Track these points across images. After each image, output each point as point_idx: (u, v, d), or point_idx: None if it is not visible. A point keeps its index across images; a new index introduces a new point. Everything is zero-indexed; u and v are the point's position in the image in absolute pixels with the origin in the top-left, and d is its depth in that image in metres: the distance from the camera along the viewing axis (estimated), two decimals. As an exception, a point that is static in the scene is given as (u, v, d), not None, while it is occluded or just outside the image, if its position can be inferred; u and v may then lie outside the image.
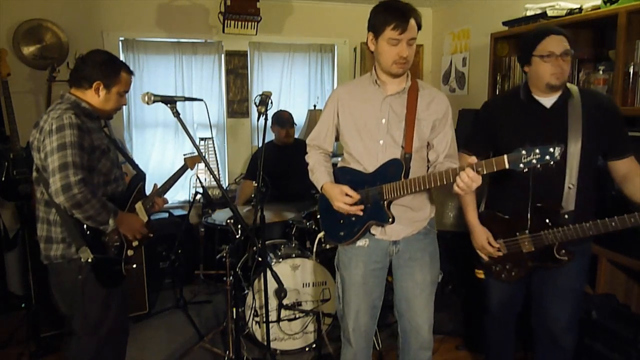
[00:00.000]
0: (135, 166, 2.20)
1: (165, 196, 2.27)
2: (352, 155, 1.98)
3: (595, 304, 2.28)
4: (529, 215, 1.98)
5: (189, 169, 2.48)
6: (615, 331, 2.15)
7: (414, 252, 1.98)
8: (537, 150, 1.52)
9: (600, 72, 2.49)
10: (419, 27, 1.80)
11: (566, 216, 1.92)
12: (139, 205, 2.10)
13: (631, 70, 2.32)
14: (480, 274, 2.20)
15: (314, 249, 2.90)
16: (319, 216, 2.16)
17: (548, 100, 1.97)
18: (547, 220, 1.94)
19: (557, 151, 1.51)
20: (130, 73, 2.04)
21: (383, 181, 1.86)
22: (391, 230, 1.94)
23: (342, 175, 2.01)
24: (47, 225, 1.92)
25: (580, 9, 2.67)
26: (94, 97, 1.95)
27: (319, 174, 2.04)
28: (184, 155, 2.71)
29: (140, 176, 2.16)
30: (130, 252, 2.04)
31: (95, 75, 1.92)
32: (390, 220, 1.86)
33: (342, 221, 1.99)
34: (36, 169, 1.93)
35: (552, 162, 1.52)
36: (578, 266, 2.01)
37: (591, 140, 1.90)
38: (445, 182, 1.69)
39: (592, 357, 2.25)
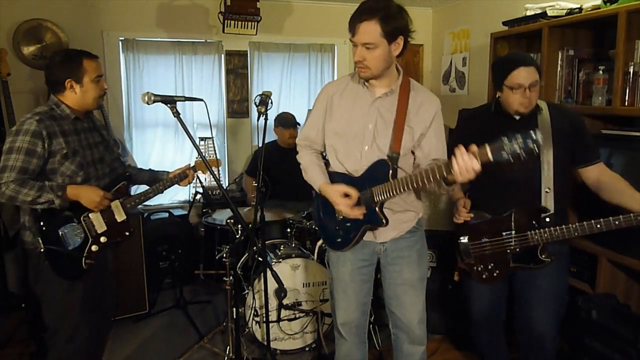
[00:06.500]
0: (121, 165, 2.28)
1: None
2: (335, 157, 1.94)
3: (595, 304, 2.27)
4: (513, 215, 2.05)
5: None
6: (615, 331, 2.15)
7: (400, 250, 1.97)
8: (519, 137, 1.45)
9: (600, 72, 2.48)
10: (388, 32, 1.68)
11: (547, 219, 1.99)
12: (115, 204, 2.11)
13: (631, 70, 2.31)
14: (456, 276, 2.28)
15: (315, 249, 2.90)
16: (316, 221, 2.14)
17: (517, 116, 2.07)
18: (534, 222, 2.00)
19: (539, 135, 1.45)
20: (94, 57, 2.06)
21: (372, 184, 1.82)
22: (379, 232, 1.94)
23: (333, 180, 1.96)
24: (21, 213, 2.07)
25: (580, 9, 2.66)
26: (72, 94, 2.01)
27: (314, 174, 1.98)
28: (196, 158, 2.71)
29: (123, 176, 2.22)
30: (94, 248, 2.05)
31: (61, 75, 1.98)
32: (384, 222, 1.84)
33: (337, 227, 1.95)
34: None
35: (536, 149, 1.45)
36: (558, 268, 2.09)
37: (561, 149, 2.02)
38: (437, 177, 1.64)
39: (592, 357, 2.25)
